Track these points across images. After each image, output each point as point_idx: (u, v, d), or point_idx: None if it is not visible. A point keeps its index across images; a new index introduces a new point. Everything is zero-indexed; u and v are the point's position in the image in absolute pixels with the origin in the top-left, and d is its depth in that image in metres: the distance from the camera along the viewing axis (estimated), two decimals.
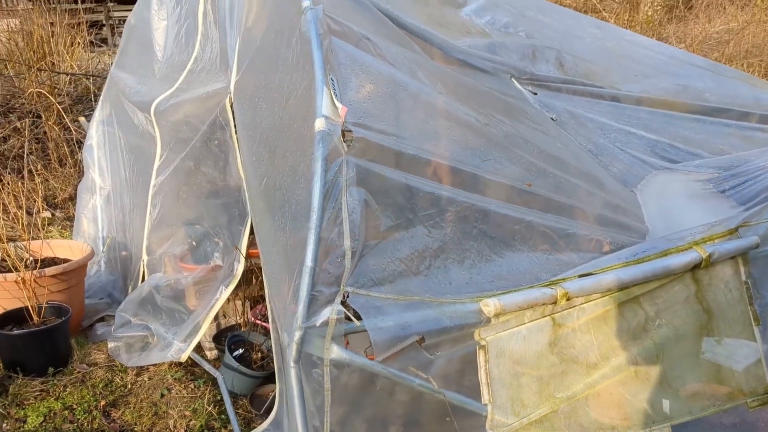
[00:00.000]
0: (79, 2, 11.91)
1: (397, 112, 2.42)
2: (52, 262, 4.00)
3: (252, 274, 3.51)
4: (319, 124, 1.93)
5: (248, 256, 3.28)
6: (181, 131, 3.60)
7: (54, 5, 11.32)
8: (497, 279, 2.10)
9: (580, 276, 2.09)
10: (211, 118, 3.22)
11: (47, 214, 5.59)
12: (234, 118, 3.04)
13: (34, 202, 5.51)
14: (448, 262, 2.04)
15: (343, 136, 1.97)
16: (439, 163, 2.47)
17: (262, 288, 3.53)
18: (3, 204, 5.04)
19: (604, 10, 10.44)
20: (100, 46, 12.61)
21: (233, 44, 2.91)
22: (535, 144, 2.87)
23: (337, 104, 1.97)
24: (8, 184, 5.26)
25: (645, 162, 3.35)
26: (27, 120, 6.50)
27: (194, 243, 3.70)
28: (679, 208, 2.88)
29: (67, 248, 4.13)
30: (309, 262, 1.78)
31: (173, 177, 3.68)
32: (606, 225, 2.66)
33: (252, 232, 3.36)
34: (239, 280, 3.29)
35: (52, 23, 9.91)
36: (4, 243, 3.77)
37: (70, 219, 5.51)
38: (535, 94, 3.59)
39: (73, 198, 5.77)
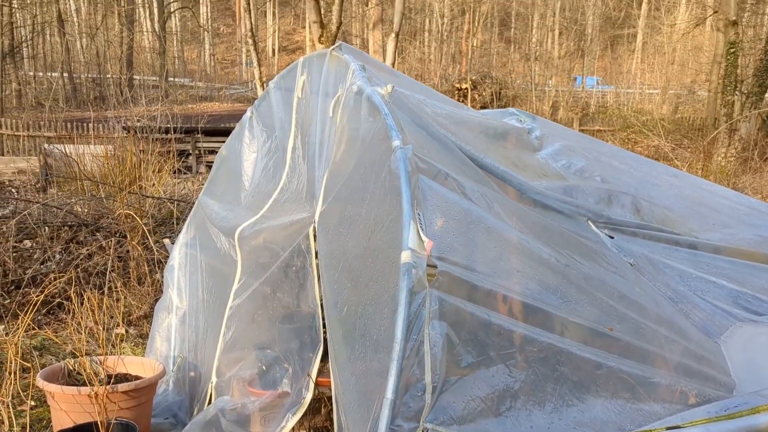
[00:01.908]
0: (171, 132, 12.78)
1: (477, 247, 2.46)
2: (124, 378, 4.07)
3: (320, 403, 3.47)
4: (405, 257, 1.98)
5: (317, 384, 3.27)
6: (261, 256, 3.72)
7: (146, 134, 12.18)
8: (579, 426, 2.03)
9: (668, 429, 2.00)
10: (293, 246, 3.33)
11: (122, 330, 5.74)
12: (315, 247, 3.14)
13: (111, 318, 5.69)
14: (528, 405, 2.00)
15: (428, 269, 2.01)
16: (517, 300, 2.47)
17: (328, 419, 3.48)
18: (81, 319, 5.22)
19: (676, 158, 10.53)
20: (184, 173, 13.36)
21: (320, 176, 3.06)
22: (614, 287, 2.85)
23: (423, 238, 2.03)
24: (89, 300, 5.46)
25: (728, 312, 3.25)
26: (113, 239, 6.83)
27: (264, 367, 3.72)
28: None
29: (140, 365, 4.20)
30: (390, 394, 1.77)
31: (250, 300, 3.77)
32: (690, 375, 2.57)
33: (322, 359, 3.37)
34: (306, 409, 3.26)
35: (143, 150, 10.62)
36: (82, 357, 3.87)
37: (143, 336, 5.64)
38: (612, 237, 3.59)
39: (147, 316, 5.92)
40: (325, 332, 3.25)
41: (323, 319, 3.28)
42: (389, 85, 2.62)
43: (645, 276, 3.38)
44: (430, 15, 35.96)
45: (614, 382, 2.35)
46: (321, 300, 3.39)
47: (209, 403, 3.94)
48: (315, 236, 3.16)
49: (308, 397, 3.20)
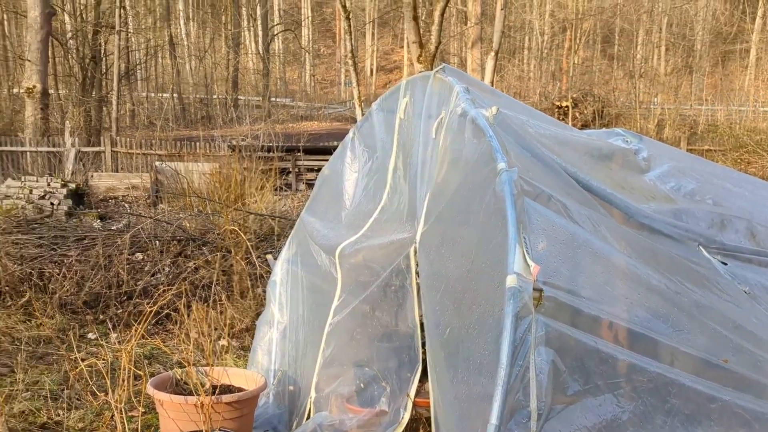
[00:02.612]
0: (273, 151, 13.20)
1: (583, 271, 2.41)
2: (228, 389, 4.20)
3: (417, 424, 3.47)
4: (511, 281, 1.96)
5: (415, 405, 3.27)
6: (361, 275, 3.77)
7: (250, 153, 12.63)
8: None
9: None
10: (393, 265, 3.36)
11: (225, 342, 5.94)
12: (416, 267, 3.15)
13: (215, 329, 5.90)
14: None
15: (534, 294, 1.98)
16: (623, 327, 2.39)
17: None
18: (189, 330, 5.44)
19: None
20: (285, 191, 13.75)
21: (422, 197, 3.08)
22: (729, 317, 2.71)
23: (530, 262, 2.00)
24: (195, 311, 5.69)
25: None
26: (218, 254, 7.09)
27: (362, 385, 3.76)
28: None
29: (243, 377, 4.33)
30: (494, 420, 1.75)
31: (349, 318, 3.82)
32: None
33: (420, 380, 3.37)
34: (403, 429, 3.27)
35: (246, 168, 11.02)
36: (189, 367, 4.02)
37: (245, 348, 5.82)
38: (725, 264, 3.42)
39: (249, 329, 6.11)
40: (423, 353, 3.26)
41: (422, 339, 3.29)
42: (494, 107, 2.61)
43: (762, 305, 3.20)
44: (530, 32, 35.61)
45: (729, 416, 2.24)
46: (420, 320, 3.40)
47: (308, 417, 4.01)
48: (416, 256, 3.17)
49: (406, 417, 3.21)
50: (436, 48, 11.25)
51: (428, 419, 3.05)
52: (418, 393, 3.33)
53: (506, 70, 32.80)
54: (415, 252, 3.15)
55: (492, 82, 13.69)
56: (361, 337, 3.82)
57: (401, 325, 3.75)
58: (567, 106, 24.20)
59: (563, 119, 22.92)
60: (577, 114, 24.23)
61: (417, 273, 3.21)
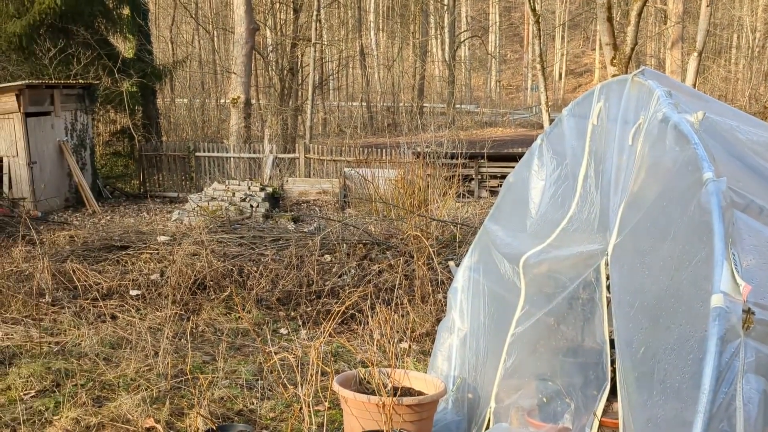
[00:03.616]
0: (457, 158, 13.28)
1: None
2: (408, 392, 4.26)
3: None
4: (717, 300, 1.80)
5: (602, 425, 3.11)
6: (546, 286, 3.66)
7: (434, 159, 12.79)
8: None
9: None
10: (581, 278, 3.22)
11: (405, 345, 6.04)
12: (606, 281, 3.00)
13: (397, 332, 6.03)
14: None
15: (743, 316, 1.80)
16: None
17: None
18: (372, 331, 5.61)
19: None
20: (467, 197, 13.77)
21: (615, 207, 2.92)
22: None
23: (739, 281, 1.82)
24: (379, 313, 5.85)
25: None
26: (401, 258, 7.25)
27: (545, 399, 3.64)
28: None
29: (423, 381, 4.37)
30: None
31: (532, 330, 3.73)
32: None
33: (608, 399, 3.21)
34: None
35: (430, 174, 11.16)
36: (373, 367, 4.13)
37: (424, 353, 5.88)
38: None
39: (429, 333, 6.17)
40: (612, 371, 3.09)
41: (611, 356, 3.13)
42: (700, 111, 2.42)
43: None
44: (740, 30, 32.86)
45: None
46: (609, 337, 3.23)
47: (487, 427, 3.96)
48: (606, 269, 3.02)
49: None
50: (632, 50, 10.70)
51: None
52: (605, 412, 3.17)
53: (710, 71, 30.51)
54: (607, 264, 3.00)
55: (694, 85, 12.78)
56: (545, 350, 3.71)
57: (588, 340, 3.59)
58: None
59: None
60: None
61: (607, 287, 3.06)
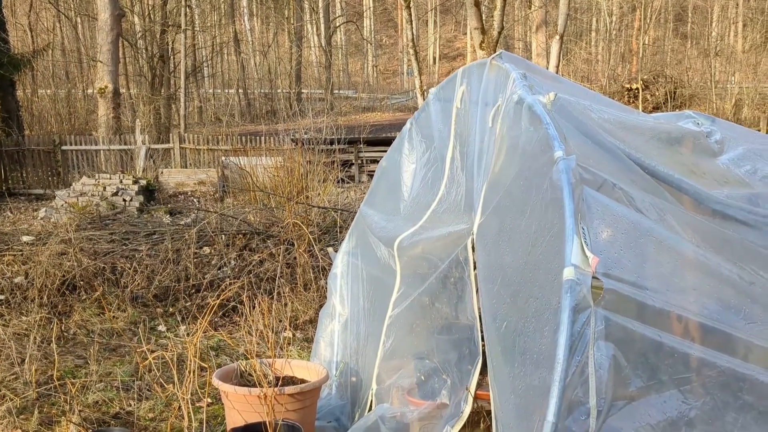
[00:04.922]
0: (336, 144, 13.27)
1: (646, 262, 2.31)
2: (291, 381, 4.23)
3: (479, 417, 3.41)
4: (568, 273, 1.89)
5: (476, 398, 3.21)
6: (420, 267, 3.73)
7: (313, 146, 12.72)
8: None
9: None
10: (451, 257, 3.30)
11: (288, 334, 6.00)
12: (474, 258, 3.09)
13: (280, 321, 5.97)
14: None
15: (593, 286, 1.90)
16: (692, 320, 2.28)
17: None
18: (253, 322, 5.52)
19: None
20: (347, 183, 13.81)
21: (479, 188, 3.01)
22: None
23: (588, 254, 1.92)
24: (260, 304, 5.78)
25: None
26: (282, 247, 7.17)
27: (423, 377, 3.72)
28: None
29: (305, 369, 4.36)
30: (551, 417, 1.69)
31: (409, 310, 3.79)
32: None
33: (481, 372, 3.32)
34: (464, 422, 3.22)
35: (309, 161, 11.10)
36: (253, 359, 4.07)
37: (308, 340, 5.87)
38: None
39: (312, 320, 6.16)
40: (483, 345, 3.20)
41: (482, 331, 3.23)
42: (551, 93, 2.52)
43: None
44: (597, 14, 34.69)
45: None
46: (479, 312, 3.34)
47: (370, 409, 4.01)
48: (473, 247, 3.11)
49: (467, 410, 3.16)
50: (499, 33, 11.04)
51: (489, 412, 2.99)
52: (479, 386, 3.28)
53: (573, 54, 32.06)
54: (473, 243, 3.09)
55: (558, 67, 13.37)
56: (421, 329, 3.79)
57: (461, 317, 3.69)
58: (637, 89, 23.48)
59: (633, 102, 22.25)
60: (648, 96, 23.49)
61: (475, 264, 3.15)
